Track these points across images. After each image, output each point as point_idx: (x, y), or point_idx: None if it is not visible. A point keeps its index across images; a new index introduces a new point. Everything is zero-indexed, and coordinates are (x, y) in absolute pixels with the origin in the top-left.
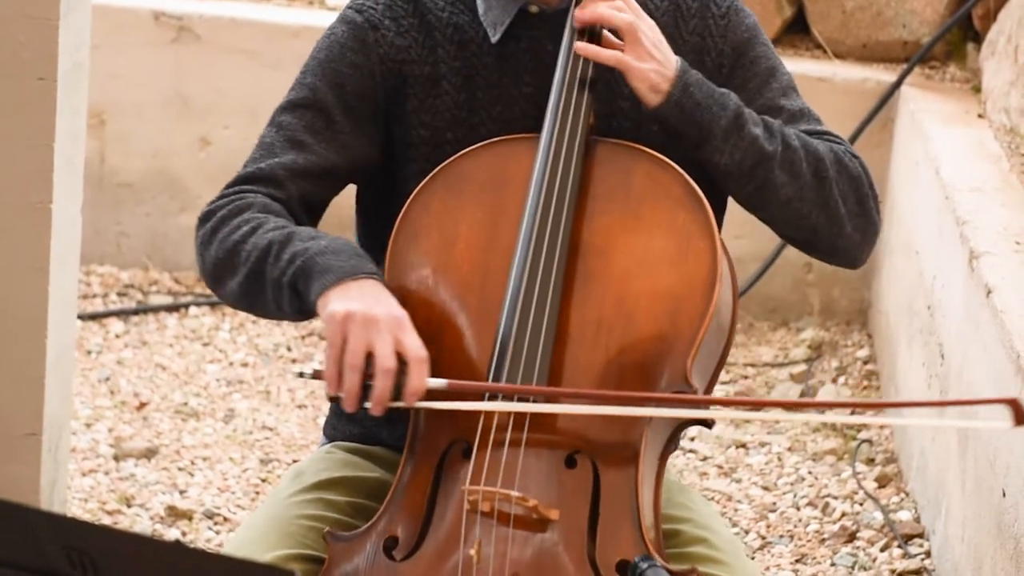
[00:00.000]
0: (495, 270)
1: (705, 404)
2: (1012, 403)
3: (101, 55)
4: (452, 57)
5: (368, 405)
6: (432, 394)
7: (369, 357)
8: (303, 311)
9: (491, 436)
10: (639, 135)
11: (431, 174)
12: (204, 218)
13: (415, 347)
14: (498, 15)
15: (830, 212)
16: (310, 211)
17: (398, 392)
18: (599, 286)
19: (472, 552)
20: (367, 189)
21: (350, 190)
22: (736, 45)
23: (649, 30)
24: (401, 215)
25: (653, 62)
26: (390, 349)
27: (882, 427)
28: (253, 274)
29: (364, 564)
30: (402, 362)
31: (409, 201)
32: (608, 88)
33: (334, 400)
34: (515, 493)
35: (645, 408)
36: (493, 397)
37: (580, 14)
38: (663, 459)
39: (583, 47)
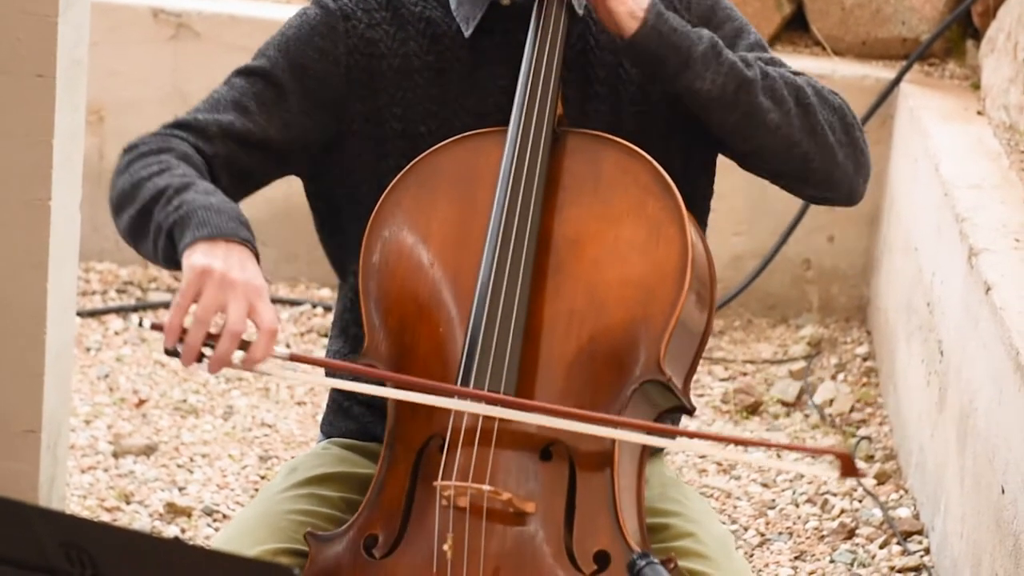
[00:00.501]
0: (466, 266)
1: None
2: (842, 457)
3: (100, 52)
4: (425, 51)
5: (206, 363)
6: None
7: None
8: (173, 260)
9: (462, 431)
10: (616, 120)
11: (403, 171)
12: (127, 149)
13: (269, 317)
14: (469, 10)
15: (819, 139)
16: (236, 178)
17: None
18: (570, 277)
19: (446, 547)
20: (322, 185)
21: None
22: (701, 14)
23: None
24: (374, 212)
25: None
26: (243, 312)
27: (881, 422)
28: (143, 212)
29: (345, 563)
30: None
31: (382, 199)
32: (583, 74)
33: (170, 353)
34: (487, 487)
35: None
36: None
37: None
38: (644, 449)
39: None
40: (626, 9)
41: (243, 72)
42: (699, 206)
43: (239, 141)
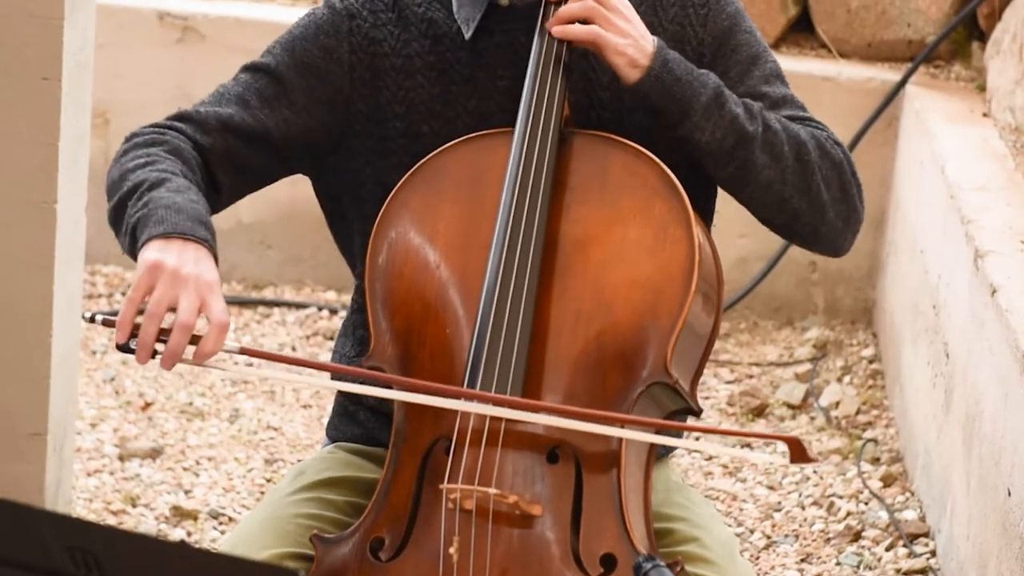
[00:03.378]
0: (473, 267)
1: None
2: (791, 441)
3: (105, 54)
4: (426, 51)
5: (158, 359)
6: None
7: (169, 312)
8: (134, 255)
9: (468, 433)
10: (621, 126)
11: (409, 172)
12: (127, 138)
13: (220, 311)
14: (469, 11)
15: (812, 197)
16: (235, 173)
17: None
18: (577, 278)
19: (452, 550)
20: (326, 184)
21: None
22: (717, 34)
23: (622, 7)
24: (381, 213)
25: (629, 37)
26: (194, 306)
27: (887, 425)
28: (119, 204)
29: (351, 566)
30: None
31: (388, 199)
32: (587, 79)
33: (123, 349)
34: (493, 491)
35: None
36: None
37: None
38: (651, 451)
39: (559, 29)
40: (626, 60)
41: (249, 68)
42: (704, 208)
43: (238, 135)
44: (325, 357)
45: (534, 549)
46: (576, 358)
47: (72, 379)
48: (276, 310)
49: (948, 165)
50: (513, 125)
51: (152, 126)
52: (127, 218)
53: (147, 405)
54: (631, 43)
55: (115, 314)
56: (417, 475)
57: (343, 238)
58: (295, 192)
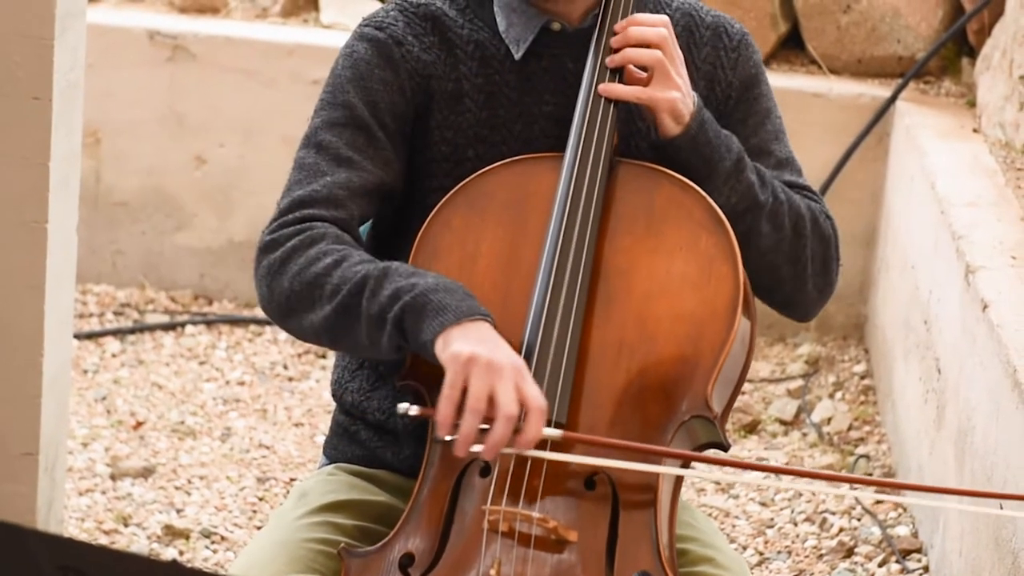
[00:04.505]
0: (516, 289)
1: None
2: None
3: (96, 74)
4: (475, 74)
5: (478, 449)
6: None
7: (489, 404)
8: (402, 348)
9: (512, 457)
10: (658, 155)
11: (452, 191)
12: (269, 247)
13: (536, 396)
14: (520, 32)
15: (798, 268)
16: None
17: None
18: (621, 308)
19: (493, 572)
20: (389, 207)
21: None
22: (744, 79)
23: (678, 60)
24: (422, 231)
25: (679, 92)
26: (513, 396)
27: (879, 440)
28: (343, 308)
29: None
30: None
31: (430, 218)
32: (627, 107)
33: (443, 441)
34: (536, 514)
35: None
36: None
37: (611, 60)
38: (679, 480)
39: (608, 88)
40: (674, 114)
41: (323, 127)
42: None
43: (363, 194)
44: (317, 375)
45: (568, 574)
46: (618, 388)
47: (63, 399)
48: (268, 328)
49: (938, 181)
50: (555, 150)
51: (284, 225)
52: (373, 316)
53: (139, 424)
54: (681, 99)
55: (433, 407)
56: (451, 493)
57: (383, 256)
58: None
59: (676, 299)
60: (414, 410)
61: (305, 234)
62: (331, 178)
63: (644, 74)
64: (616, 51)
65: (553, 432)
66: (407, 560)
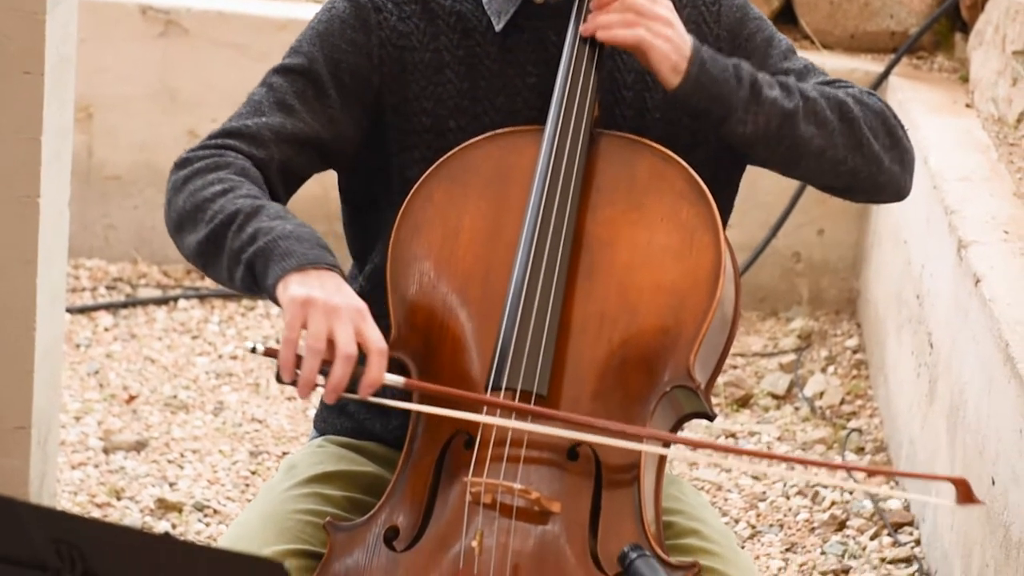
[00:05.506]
0: (498, 262)
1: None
2: (958, 483)
3: (88, 49)
4: (455, 45)
5: (321, 392)
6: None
7: (328, 344)
8: (252, 290)
9: (493, 432)
10: (642, 125)
11: (434, 165)
12: (180, 164)
13: (376, 338)
14: (502, 4)
15: (865, 151)
16: (286, 180)
17: (353, 383)
18: (602, 279)
19: (474, 544)
20: (355, 177)
21: (331, 179)
22: (730, 26)
23: (664, 10)
24: (404, 206)
25: (670, 42)
26: (351, 336)
27: (871, 415)
28: (213, 236)
29: (365, 555)
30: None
31: (412, 192)
32: (611, 78)
33: (284, 382)
34: (518, 486)
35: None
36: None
37: (585, 27)
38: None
39: (605, 33)
40: (669, 65)
41: (280, 71)
42: (721, 208)
43: (291, 142)
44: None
45: (551, 545)
46: (600, 359)
47: (56, 372)
48: (260, 303)
49: (931, 156)
50: (539, 123)
51: (204, 148)
52: (232, 251)
53: (131, 398)
54: (673, 48)
55: (277, 343)
56: (435, 466)
57: (357, 227)
58: None
59: (658, 270)
60: (260, 348)
61: (213, 159)
62: (265, 119)
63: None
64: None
65: (395, 379)
66: (392, 533)
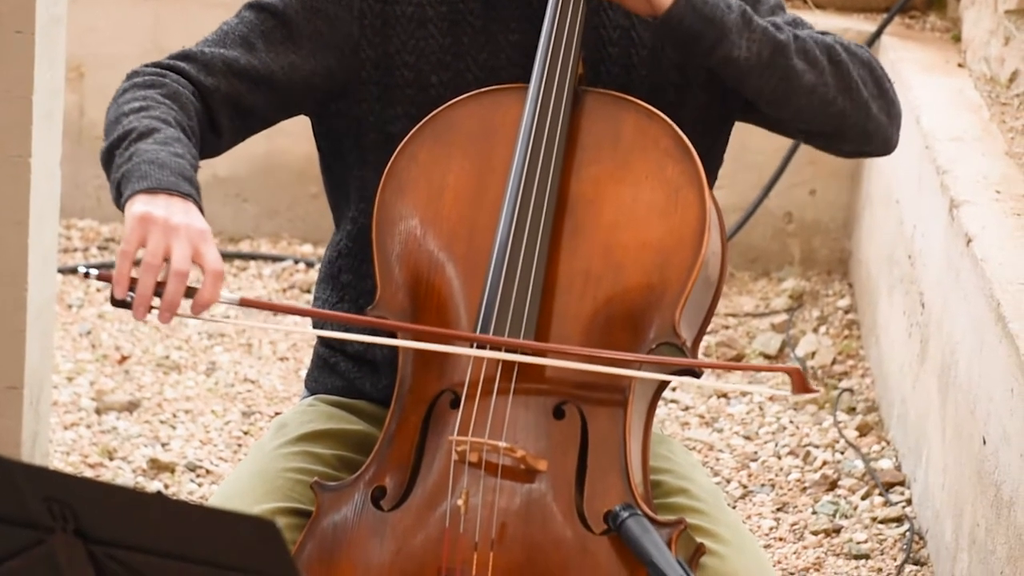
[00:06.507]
0: (483, 221)
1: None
2: (793, 373)
3: (79, 8)
4: (439, 1)
5: (156, 311)
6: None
7: (165, 263)
8: (120, 208)
9: (480, 384)
10: (627, 82)
11: (418, 125)
12: (127, 77)
13: (213, 259)
14: None
15: (854, 95)
16: (237, 115)
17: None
18: (587, 237)
19: (460, 502)
20: (328, 127)
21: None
22: None
23: None
24: (389, 165)
25: None
26: (187, 254)
27: (863, 375)
28: (108, 151)
29: (352, 514)
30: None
31: (397, 152)
32: (596, 35)
33: (120, 305)
34: (503, 444)
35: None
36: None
37: None
38: (651, 410)
39: None
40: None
41: (255, 6)
42: (708, 168)
43: (243, 78)
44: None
45: (538, 503)
46: (585, 317)
47: (48, 333)
48: (252, 263)
49: (923, 115)
50: (522, 80)
51: (155, 65)
52: (114, 168)
53: (124, 359)
54: None
55: (110, 266)
56: (421, 426)
57: (336, 180)
58: (272, 146)
59: (642, 228)
60: (93, 272)
61: (153, 77)
62: (223, 51)
63: None
64: None
65: (230, 296)
66: (379, 493)
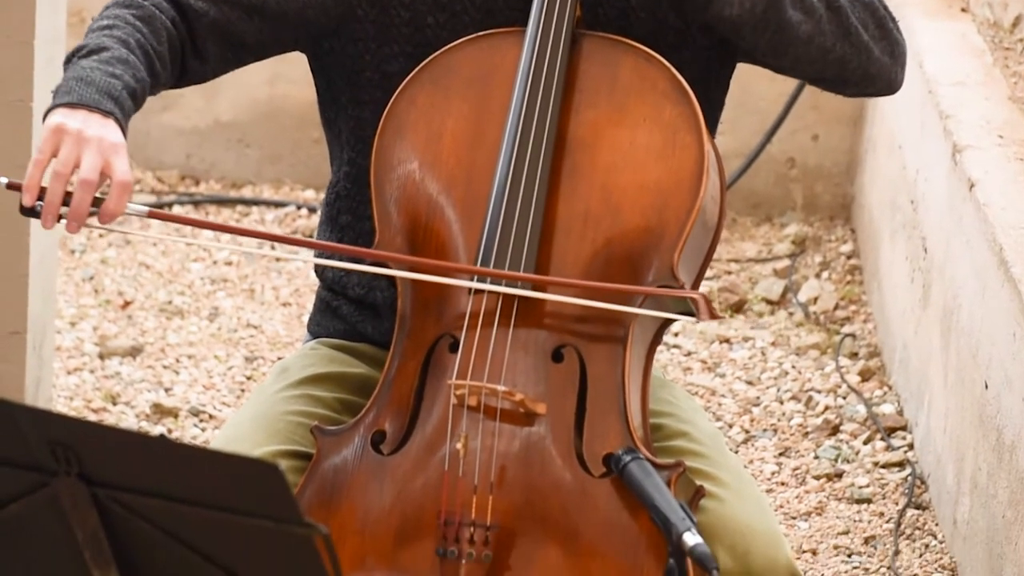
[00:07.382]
0: (481, 164)
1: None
2: (699, 299)
3: None
4: None
5: (64, 220)
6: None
7: (74, 172)
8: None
9: (479, 325)
10: (626, 24)
11: (416, 69)
12: None
13: (122, 170)
14: None
15: (853, 39)
16: (228, 43)
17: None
18: (585, 179)
19: (459, 446)
20: (325, 64)
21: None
22: None
23: None
24: (387, 109)
25: None
26: (96, 164)
27: (865, 320)
28: (67, 63)
29: (352, 458)
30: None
31: (395, 96)
32: None
33: (29, 213)
34: (501, 387)
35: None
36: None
37: None
38: (650, 353)
39: None
40: None
41: None
42: (708, 116)
43: (233, 5)
44: (304, 254)
45: (537, 447)
46: (584, 259)
47: (51, 278)
48: (255, 209)
49: (926, 60)
50: (519, 23)
51: None
52: (62, 79)
53: (127, 304)
54: None
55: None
56: (420, 370)
57: (332, 119)
58: (273, 91)
59: (640, 170)
60: (3, 180)
61: None
62: None
63: None
64: None
65: (138, 208)
66: (378, 437)
